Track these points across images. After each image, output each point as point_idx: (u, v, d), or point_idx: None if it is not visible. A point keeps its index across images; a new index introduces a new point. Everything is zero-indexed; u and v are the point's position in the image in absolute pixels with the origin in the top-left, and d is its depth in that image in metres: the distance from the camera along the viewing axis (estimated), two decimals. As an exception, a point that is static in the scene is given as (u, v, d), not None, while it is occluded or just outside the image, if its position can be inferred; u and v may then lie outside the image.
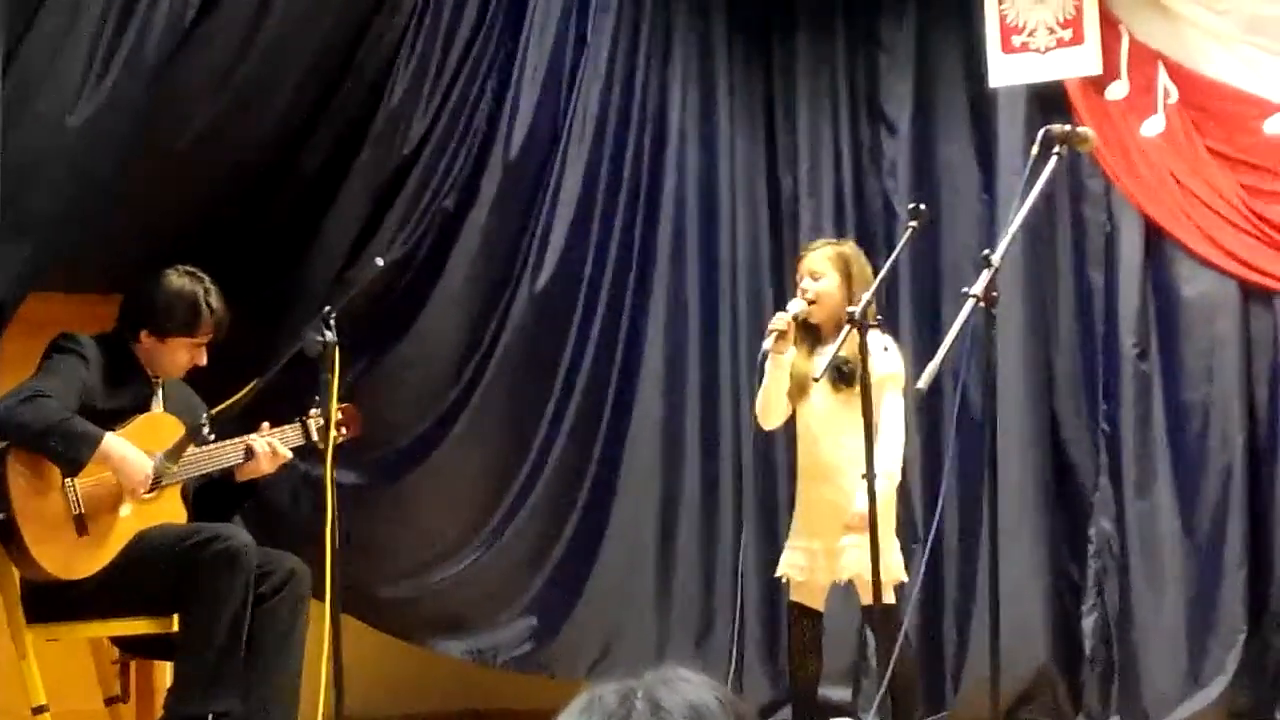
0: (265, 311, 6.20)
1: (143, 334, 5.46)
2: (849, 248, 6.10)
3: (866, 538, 5.61)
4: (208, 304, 5.48)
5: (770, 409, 6.00)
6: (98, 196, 5.55)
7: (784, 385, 5.92)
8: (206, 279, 5.52)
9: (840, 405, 5.85)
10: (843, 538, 5.80)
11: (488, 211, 6.84)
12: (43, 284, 5.57)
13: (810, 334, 5.96)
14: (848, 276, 5.93)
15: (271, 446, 5.50)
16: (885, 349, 5.88)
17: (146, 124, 5.59)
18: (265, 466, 5.53)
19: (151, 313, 5.45)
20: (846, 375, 5.74)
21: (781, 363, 5.87)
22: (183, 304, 5.45)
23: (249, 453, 5.50)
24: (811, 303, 5.89)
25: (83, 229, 5.58)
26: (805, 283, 5.95)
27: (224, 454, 5.48)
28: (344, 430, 5.65)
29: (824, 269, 5.95)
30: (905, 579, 5.97)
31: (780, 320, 5.84)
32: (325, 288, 6.29)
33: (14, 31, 5.11)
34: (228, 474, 5.56)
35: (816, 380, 5.67)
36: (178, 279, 5.48)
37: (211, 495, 5.64)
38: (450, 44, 6.65)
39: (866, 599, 5.79)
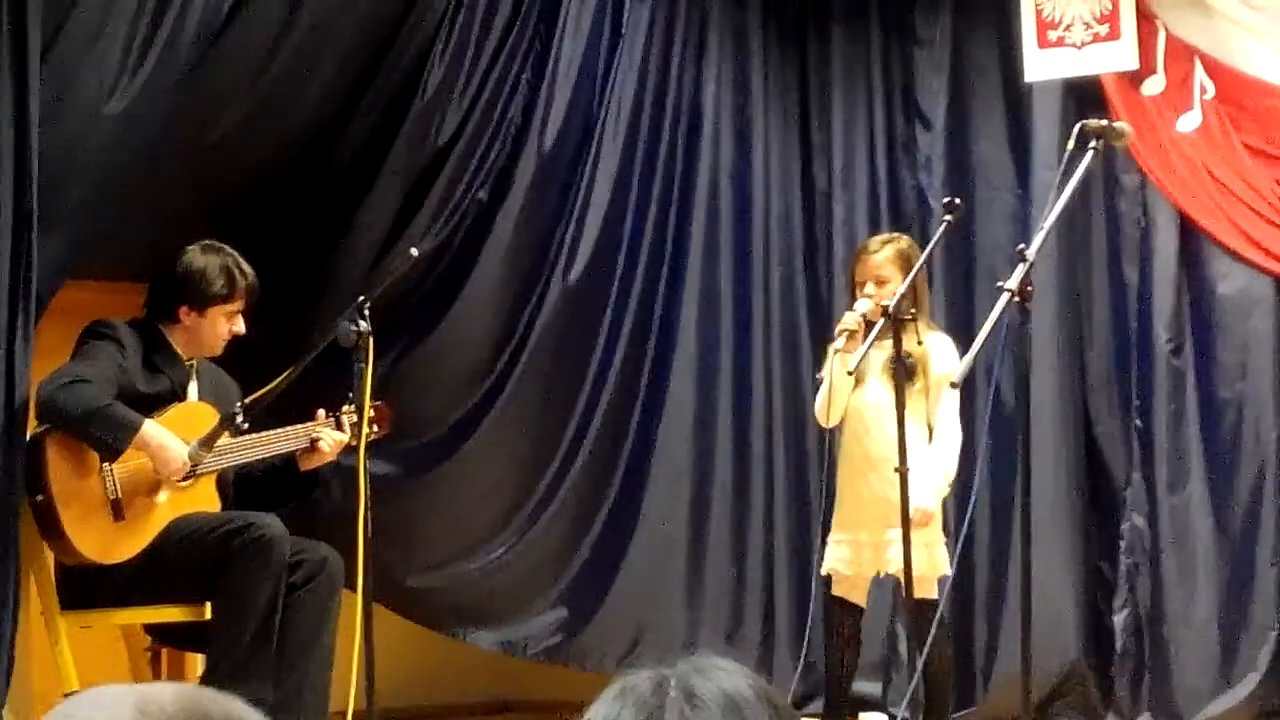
0: (300, 301, 6.22)
1: (181, 311, 5.48)
2: (906, 243, 6.09)
3: (917, 531, 5.63)
4: (240, 269, 5.52)
5: (834, 407, 5.98)
6: (133, 186, 5.58)
7: (848, 384, 5.91)
8: (227, 248, 5.55)
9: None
10: (890, 530, 5.79)
11: (521, 203, 6.85)
12: (78, 272, 5.60)
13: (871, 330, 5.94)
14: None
15: (321, 437, 5.56)
16: (948, 348, 5.88)
17: (182, 115, 5.62)
18: (329, 455, 5.57)
19: (187, 286, 5.47)
20: (908, 370, 5.73)
21: (848, 362, 5.85)
22: (217, 273, 5.49)
23: (312, 444, 5.55)
24: (878, 304, 5.87)
25: (119, 218, 5.61)
26: (870, 289, 5.93)
27: (259, 446, 5.51)
28: (376, 428, 5.67)
29: (888, 273, 5.93)
30: (950, 573, 5.96)
31: (850, 320, 5.83)
32: (359, 278, 6.32)
33: (51, 22, 5.14)
34: (292, 464, 5.61)
35: (850, 373, 5.67)
36: (202, 253, 5.52)
37: (274, 485, 5.68)
38: (485, 35, 6.66)
39: (914, 593, 5.77)
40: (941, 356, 5.86)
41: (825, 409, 6.01)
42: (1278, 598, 6.80)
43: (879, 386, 5.90)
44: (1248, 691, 6.77)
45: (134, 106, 5.36)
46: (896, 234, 6.37)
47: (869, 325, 5.83)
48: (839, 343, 5.83)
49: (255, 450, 5.51)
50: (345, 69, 6.27)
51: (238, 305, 5.53)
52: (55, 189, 5.16)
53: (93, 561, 5.19)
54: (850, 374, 5.69)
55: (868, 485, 5.91)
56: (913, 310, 5.67)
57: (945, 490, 5.88)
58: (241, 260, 5.55)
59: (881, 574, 5.96)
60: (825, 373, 6.00)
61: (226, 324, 5.53)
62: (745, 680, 1.73)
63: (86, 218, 5.41)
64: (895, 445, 5.68)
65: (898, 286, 5.82)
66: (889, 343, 5.65)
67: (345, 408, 5.55)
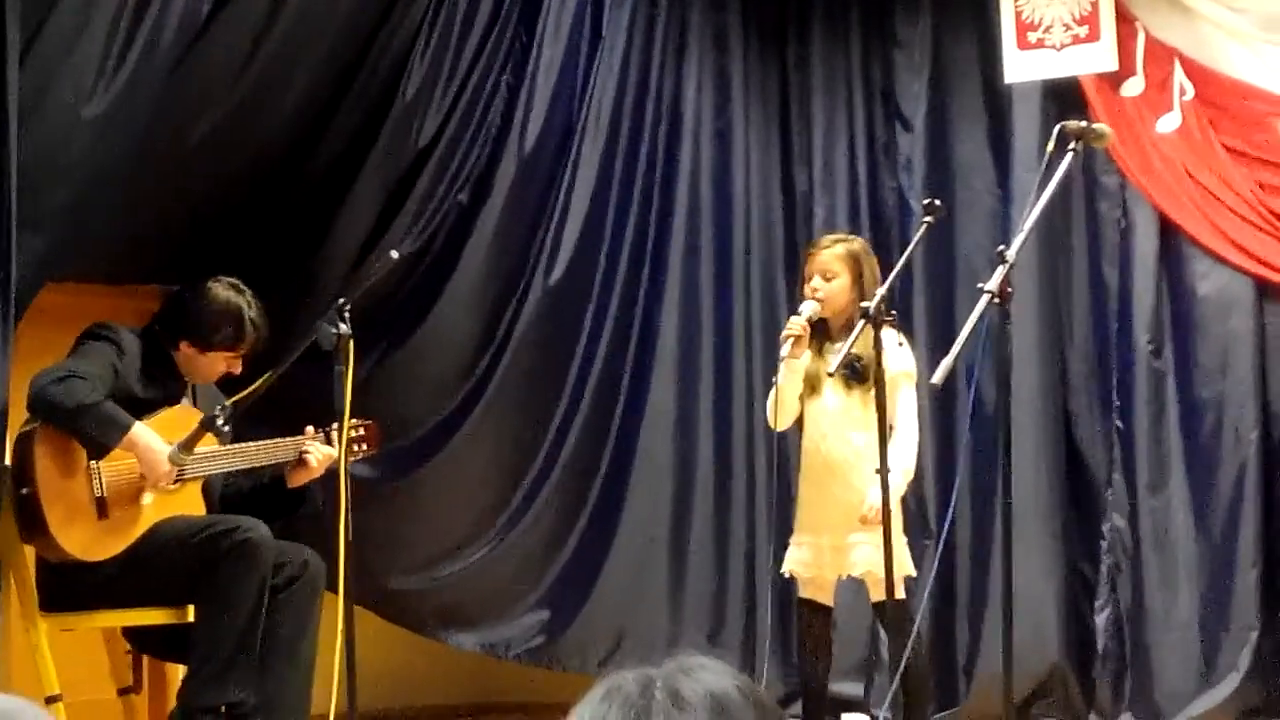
0: (280, 305, 6.20)
1: (183, 344, 5.51)
2: (859, 245, 6.08)
3: (876, 533, 5.62)
4: (251, 320, 5.54)
5: (783, 411, 5.98)
6: (113, 189, 5.57)
7: (798, 388, 5.92)
8: (248, 292, 5.58)
9: (852, 402, 5.84)
10: (851, 534, 5.79)
11: (502, 205, 6.85)
12: (57, 275, 5.58)
13: (819, 332, 5.95)
14: (858, 276, 5.92)
15: (310, 451, 5.55)
16: (899, 345, 5.88)
17: (162, 117, 5.61)
18: (317, 470, 5.57)
19: (196, 326, 5.50)
20: (860, 372, 5.73)
21: (796, 366, 5.86)
22: (228, 320, 5.51)
23: (300, 459, 5.55)
24: (821, 301, 5.89)
25: (98, 221, 5.60)
26: (816, 281, 5.94)
27: (246, 455, 5.51)
28: (364, 447, 5.69)
29: (837, 269, 5.93)
30: (914, 573, 5.96)
31: (795, 325, 5.83)
32: (340, 281, 6.31)
33: (30, 23, 5.12)
34: (280, 481, 5.61)
35: (831, 375, 5.66)
36: (222, 292, 5.53)
37: (262, 500, 5.66)
38: (465, 38, 6.66)
39: (878, 595, 5.78)
40: (894, 354, 5.85)
41: (774, 414, 6.00)
42: (1259, 598, 6.81)
43: (834, 392, 5.90)
44: (1229, 691, 6.78)
45: (113, 109, 5.35)
46: (852, 235, 6.39)
47: (814, 326, 5.84)
48: (784, 349, 5.83)
49: (243, 458, 5.51)
50: (326, 71, 6.26)
51: (240, 352, 5.55)
52: (35, 191, 5.14)
53: (75, 558, 5.18)
54: (831, 374, 5.69)
55: (829, 490, 5.90)
56: (894, 312, 5.66)
57: (903, 488, 5.87)
58: (256, 310, 5.57)
59: (844, 577, 5.96)
60: (778, 378, 5.99)
61: (224, 366, 5.57)
62: (731, 680, 1.72)
63: (66, 220, 5.40)
64: (854, 450, 5.74)
65: (845, 283, 5.85)
66: (839, 346, 5.63)
67: (335, 424, 5.52)
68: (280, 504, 5.69)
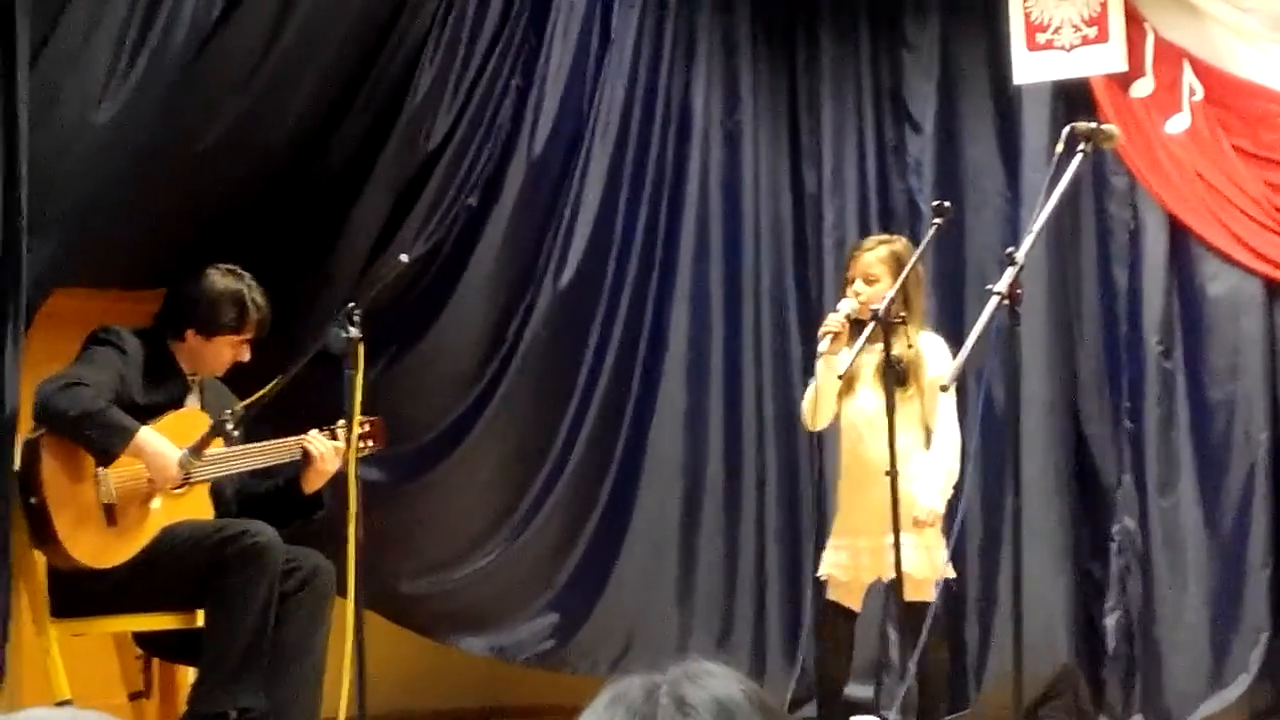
0: (290, 308, 6.20)
1: (188, 333, 5.49)
2: (901, 245, 6.07)
3: (917, 533, 5.63)
4: (253, 302, 5.52)
5: (820, 410, 5.97)
6: (123, 193, 5.57)
7: (835, 386, 5.89)
8: (248, 276, 5.55)
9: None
10: (889, 535, 5.77)
11: (511, 208, 6.85)
12: (67, 280, 5.59)
13: (859, 331, 5.93)
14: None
15: (319, 445, 5.51)
16: (940, 349, 5.88)
17: (171, 120, 5.61)
18: (325, 465, 5.52)
19: (197, 312, 5.48)
20: (900, 375, 5.72)
21: (834, 364, 5.82)
22: (229, 303, 5.48)
23: (306, 456, 5.53)
24: (863, 304, 5.86)
25: (108, 225, 5.60)
26: (858, 285, 5.92)
27: (252, 455, 5.49)
28: (370, 443, 5.67)
29: (878, 272, 5.92)
30: (953, 575, 5.96)
31: (833, 322, 5.82)
32: (349, 284, 6.31)
33: (39, 28, 5.13)
34: (296, 487, 5.59)
35: (840, 378, 5.66)
36: (221, 278, 5.51)
37: (278, 505, 5.65)
38: (474, 40, 6.66)
39: (911, 595, 5.75)
40: (934, 358, 5.86)
41: (811, 412, 6.01)
42: (1268, 599, 6.81)
43: (871, 393, 5.88)
44: (1238, 693, 6.78)
45: (123, 114, 5.35)
46: (894, 236, 6.37)
47: (853, 324, 5.82)
48: (823, 345, 5.82)
49: (248, 460, 5.49)
50: (335, 74, 6.26)
51: (245, 336, 5.54)
52: (44, 197, 5.15)
53: (85, 566, 5.18)
54: (840, 378, 5.68)
55: (867, 492, 5.88)
56: (902, 314, 5.66)
57: (949, 491, 5.88)
58: (258, 292, 5.55)
59: (883, 580, 5.95)
60: (816, 375, 5.99)
61: (231, 353, 5.54)
62: (737, 685, 1.72)
63: (76, 225, 5.40)
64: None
65: (886, 286, 5.80)
66: (879, 347, 5.64)
67: (339, 422, 5.52)
68: (296, 508, 5.69)
